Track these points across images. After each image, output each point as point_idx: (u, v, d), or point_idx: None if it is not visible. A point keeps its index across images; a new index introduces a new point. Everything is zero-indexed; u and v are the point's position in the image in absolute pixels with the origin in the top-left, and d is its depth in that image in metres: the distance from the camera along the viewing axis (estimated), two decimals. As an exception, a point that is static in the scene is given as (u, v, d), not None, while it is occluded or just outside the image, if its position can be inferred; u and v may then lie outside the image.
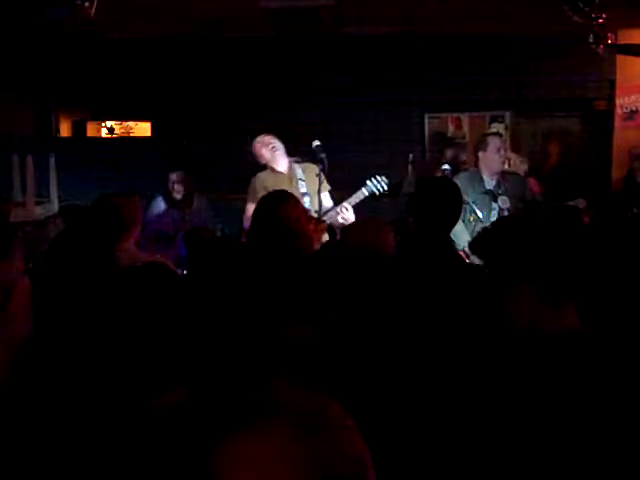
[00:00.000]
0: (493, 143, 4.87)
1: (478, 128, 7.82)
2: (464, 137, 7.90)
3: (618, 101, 7.04)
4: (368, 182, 4.79)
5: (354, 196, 4.73)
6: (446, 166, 5.34)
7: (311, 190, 4.78)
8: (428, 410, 1.64)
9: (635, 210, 5.01)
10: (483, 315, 1.75)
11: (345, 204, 4.72)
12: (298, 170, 4.89)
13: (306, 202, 4.69)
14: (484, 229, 1.80)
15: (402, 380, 1.85)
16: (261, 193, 4.68)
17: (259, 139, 5.09)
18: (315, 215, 4.68)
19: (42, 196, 7.08)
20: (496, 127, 7.20)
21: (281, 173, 4.97)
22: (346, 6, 5.91)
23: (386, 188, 4.80)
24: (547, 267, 1.60)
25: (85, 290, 1.99)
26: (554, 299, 1.59)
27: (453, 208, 3.06)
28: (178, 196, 5.72)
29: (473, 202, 4.70)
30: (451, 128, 7.94)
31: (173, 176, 5.75)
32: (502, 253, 1.64)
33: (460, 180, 4.74)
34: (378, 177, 4.86)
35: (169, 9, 5.86)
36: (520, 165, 6.50)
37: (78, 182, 7.12)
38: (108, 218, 3.17)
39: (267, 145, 5.02)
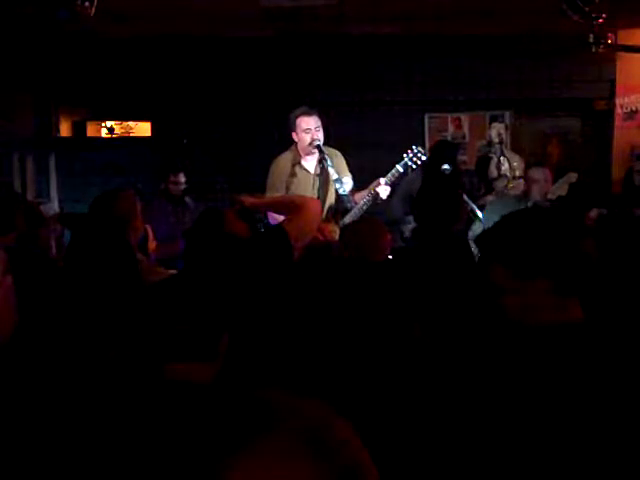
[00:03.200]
0: (530, 174, 5.30)
1: (478, 128, 7.82)
2: (464, 137, 7.90)
3: (618, 101, 7.03)
4: (404, 156, 4.54)
5: (389, 174, 4.52)
6: (446, 166, 5.32)
7: (332, 187, 4.52)
8: (429, 408, 1.64)
9: (635, 210, 5.01)
10: (484, 309, 1.76)
11: (381, 180, 4.50)
12: (329, 170, 4.43)
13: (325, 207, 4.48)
14: (493, 225, 1.79)
15: (403, 377, 1.86)
16: (282, 189, 4.57)
17: (309, 116, 4.51)
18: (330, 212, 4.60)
19: (42, 196, 7.08)
20: (496, 127, 7.18)
21: (306, 172, 4.62)
22: (346, 6, 5.91)
23: (424, 159, 4.60)
24: (562, 262, 1.61)
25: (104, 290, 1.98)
26: (565, 292, 1.61)
27: (451, 206, 3.08)
28: (178, 194, 5.83)
29: None
30: (451, 128, 7.94)
31: (179, 177, 5.84)
32: (514, 248, 1.64)
33: (505, 202, 4.94)
34: (415, 148, 4.56)
35: (169, 9, 5.86)
36: (518, 165, 6.50)
37: (78, 182, 7.12)
38: (105, 217, 3.15)
39: (313, 130, 4.50)
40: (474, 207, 4.66)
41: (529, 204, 5.02)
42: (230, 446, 0.84)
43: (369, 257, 2.99)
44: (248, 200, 3.20)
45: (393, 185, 4.59)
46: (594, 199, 5.05)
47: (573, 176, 5.39)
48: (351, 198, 4.48)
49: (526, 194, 5.23)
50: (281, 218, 4.22)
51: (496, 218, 1.72)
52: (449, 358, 1.84)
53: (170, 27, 6.57)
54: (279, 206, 3.54)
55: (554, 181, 5.55)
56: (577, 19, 4.87)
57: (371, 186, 4.55)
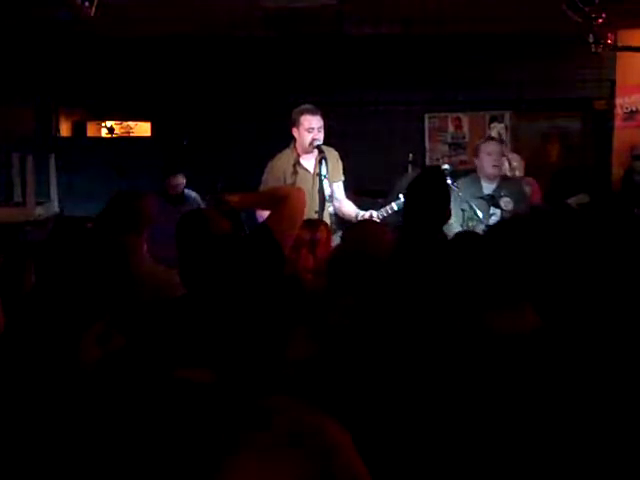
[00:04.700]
0: (484, 147, 5.00)
1: (478, 128, 7.82)
2: (464, 137, 7.90)
3: (618, 101, 7.04)
4: (401, 196, 4.63)
5: (382, 209, 4.57)
6: (446, 166, 5.31)
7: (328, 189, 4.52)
8: (423, 417, 1.64)
9: (635, 210, 5.00)
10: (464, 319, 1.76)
11: (374, 213, 4.55)
12: (323, 166, 4.43)
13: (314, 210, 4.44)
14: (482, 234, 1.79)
15: (397, 385, 1.85)
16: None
17: (313, 116, 4.53)
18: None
19: (42, 196, 7.08)
20: (496, 127, 7.19)
21: (306, 171, 4.64)
22: (346, 6, 5.91)
23: None
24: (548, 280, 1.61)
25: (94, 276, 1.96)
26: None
27: (439, 204, 3.06)
28: (175, 195, 5.82)
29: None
30: (451, 128, 7.94)
31: (178, 179, 5.81)
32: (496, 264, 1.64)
33: (460, 186, 4.80)
34: None
35: (169, 9, 5.87)
36: (518, 165, 6.49)
37: (78, 182, 7.12)
38: (121, 212, 3.15)
39: (314, 129, 4.52)
40: (475, 208, 4.65)
41: (482, 181, 4.90)
42: (226, 447, 0.85)
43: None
44: (233, 199, 3.18)
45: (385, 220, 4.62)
46: (594, 198, 5.01)
47: (584, 197, 5.19)
48: (335, 219, 4.53)
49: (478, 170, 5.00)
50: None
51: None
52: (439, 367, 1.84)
53: (170, 27, 6.57)
54: (263, 201, 3.51)
55: (554, 184, 5.51)
56: (577, 19, 4.88)
57: (362, 216, 4.57)
